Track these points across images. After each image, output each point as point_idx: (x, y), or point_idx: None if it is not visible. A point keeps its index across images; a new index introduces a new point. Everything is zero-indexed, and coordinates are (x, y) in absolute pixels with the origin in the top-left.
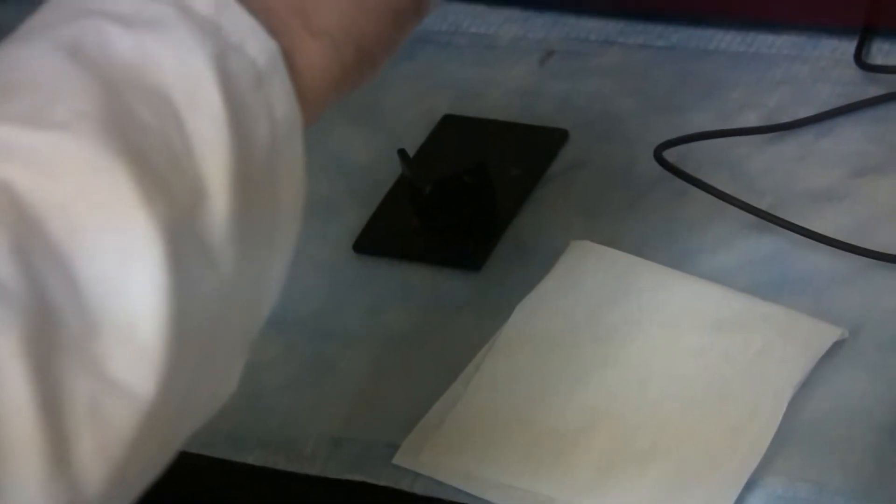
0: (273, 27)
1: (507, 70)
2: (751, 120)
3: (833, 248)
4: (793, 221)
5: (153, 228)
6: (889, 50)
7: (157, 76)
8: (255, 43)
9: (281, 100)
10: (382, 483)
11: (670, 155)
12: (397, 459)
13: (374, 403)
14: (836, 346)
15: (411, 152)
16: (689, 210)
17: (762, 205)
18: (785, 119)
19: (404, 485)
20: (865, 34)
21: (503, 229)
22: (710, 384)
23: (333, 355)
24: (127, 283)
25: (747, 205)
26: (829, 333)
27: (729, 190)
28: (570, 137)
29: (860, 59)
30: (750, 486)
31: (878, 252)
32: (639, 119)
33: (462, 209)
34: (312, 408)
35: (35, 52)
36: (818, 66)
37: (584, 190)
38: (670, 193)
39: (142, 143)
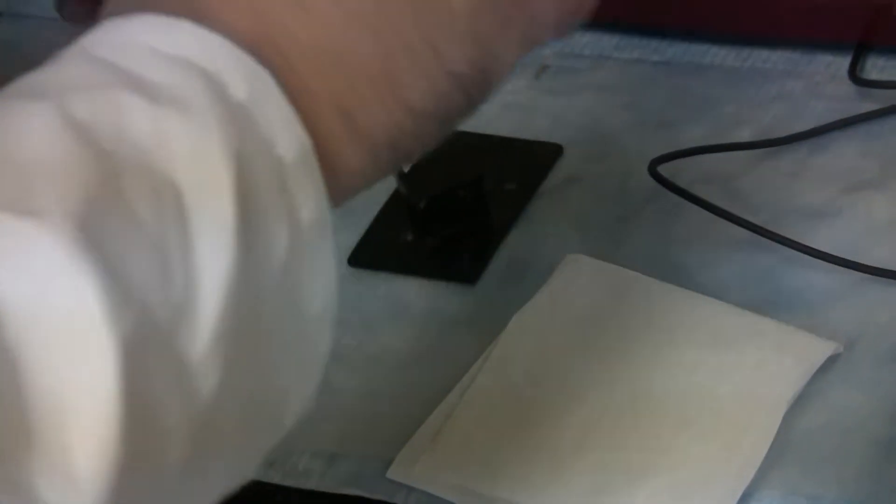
0: (311, 119)
1: (504, 84)
2: (745, 135)
3: (827, 263)
4: (787, 236)
5: (112, 345)
6: (884, 65)
7: (168, 166)
8: (288, 138)
9: (308, 202)
10: (377, 497)
11: (665, 170)
12: (391, 473)
13: (369, 418)
14: (831, 360)
15: (405, 167)
16: (684, 225)
17: (757, 220)
18: (779, 134)
19: (399, 499)
20: (860, 50)
21: (498, 243)
22: (704, 399)
23: (328, 370)
24: (73, 402)
25: (742, 220)
26: (824, 348)
27: (723, 205)
28: (564, 152)
29: (854, 75)
30: (745, 499)
31: (872, 267)
32: (633, 134)
33: (457, 223)
34: (307, 422)
35: (43, 124)
36: (812, 81)
37: (578, 204)
38: (665, 208)
39: (126, 243)
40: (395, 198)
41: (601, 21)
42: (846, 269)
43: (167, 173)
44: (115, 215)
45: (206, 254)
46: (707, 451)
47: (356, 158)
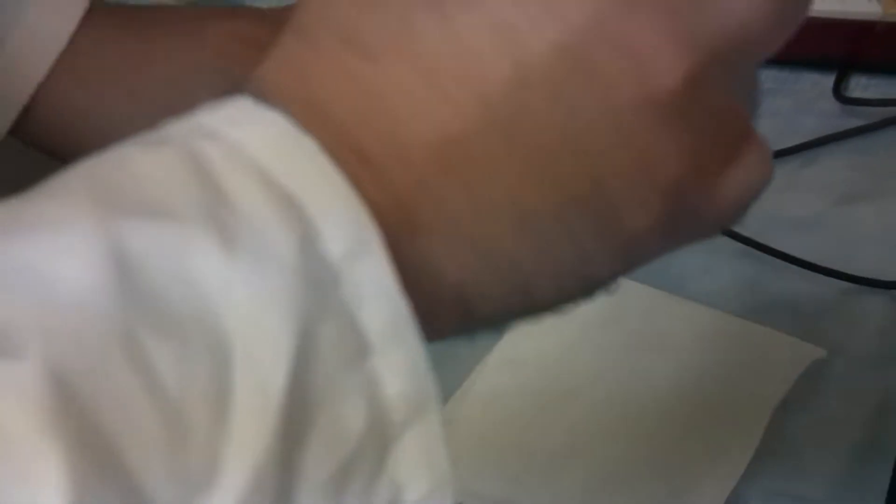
0: (423, 294)
1: None
2: None
3: (814, 273)
4: (777, 248)
5: None
6: (866, 84)
7: (220, 326)
8: (381, 308)
9: (400, 372)
10: None
11: None
12: None
13: None
14: (816, 365)
15: None
16: None
17: (748, 232)
18: (769, 149)
19: None
20: (843, 69)
21: None
22: (693, 401)
23: None
24: None
25: (732, 231)
26: (809, 354)
27: None
28: None
29: (839, 93)
30: (731, 499)
31: (857, 276)
32: None
33: None
34: None
35: (84, 247)
36: (800, 99)
37: None
38: None
39: (118, 409)
40: None
41: None
42: (832, 279)
43: (217, 333)
44: (124, 368)
45: (239, 428)
46: (696, 452)
47: (453, 320)
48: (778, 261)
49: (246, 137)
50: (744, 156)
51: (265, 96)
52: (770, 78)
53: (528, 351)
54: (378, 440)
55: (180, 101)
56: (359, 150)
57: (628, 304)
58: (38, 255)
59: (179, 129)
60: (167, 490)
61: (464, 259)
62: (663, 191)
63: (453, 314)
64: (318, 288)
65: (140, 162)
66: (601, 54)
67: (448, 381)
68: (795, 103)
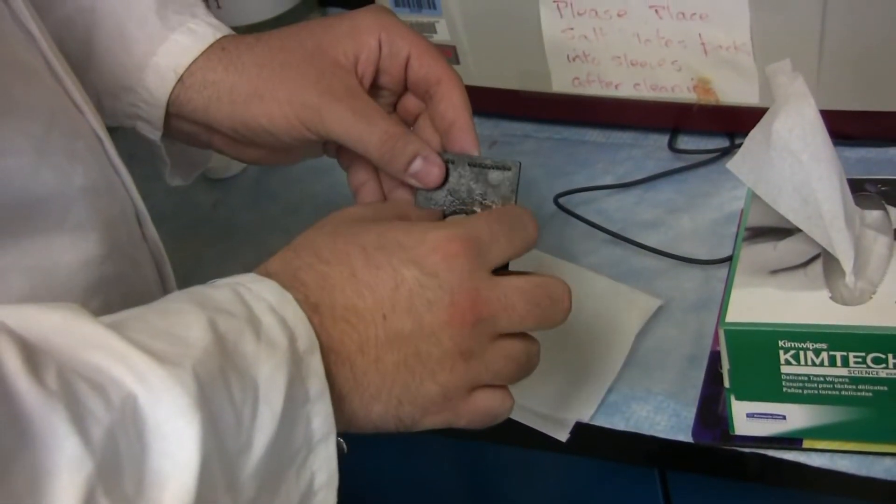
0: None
1: None
2: (609, 180)
3: (656, 255)
4: (632, 238)
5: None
6: (688, 141)
7: (257, 373)
8: (322, 416)
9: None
10: None
11: (563, 201)
12: None
13: None
14: (658, 310)
15: None
16: (574, 231)
17: (615, 229)
18: (628, 180)
19: None
20: (674, 132)
21: None
22: (585, 330)
23: None
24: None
25: (606, 229)
26: (654, 302)
27: (596, 220)
28: None
29: (672, 146)
30: (609, 391)
31: (681, 256)
32: (544, 180)
33: None
34: None
35: (196, 315)
36: (647, 149)
37: None
38: (563, 222)
39: (223, 404)
40: None
41: (527, 116)
42: (667, 258)
43: (255, 377)
44: (219, 387)
45: (261, 420)
46: (586, 362)
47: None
48: (634, 246)
49: (262, 290)
50: (499, 391)
51: (271, 277)
52: (629, 137)
53: None
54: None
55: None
56: (315, 305)
57: (544, 269)
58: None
59: (233, 280)
60: None
61: (359, 385)
62: (451, 374)
63: (341, 423)
64: (297, 368)
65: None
66: (446, 314)
67: None
68: (644, 152)
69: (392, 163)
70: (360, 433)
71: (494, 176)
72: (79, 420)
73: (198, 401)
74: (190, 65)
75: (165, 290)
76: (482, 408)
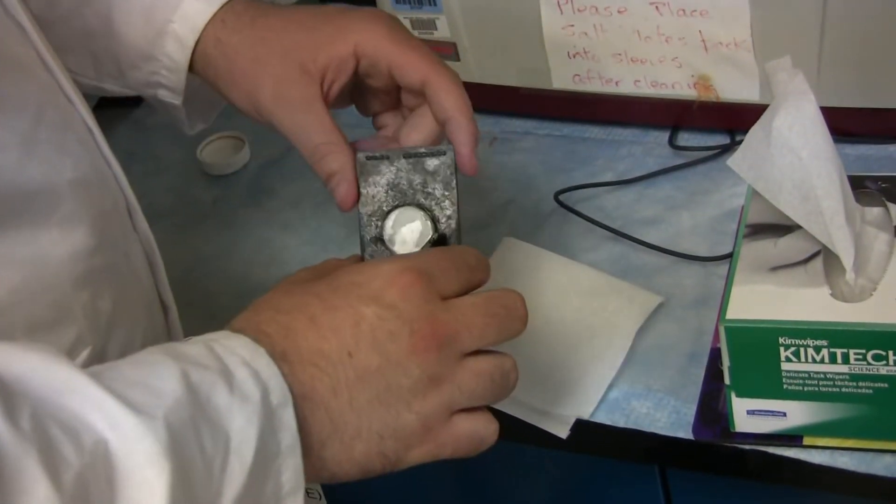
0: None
1: None
2: (609, 177)
3: (657, 251)
4: (632, 235)
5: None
6: (688, 138)
7: (229, 425)
8: (290, 436)
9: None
10: None
11: (563, 197)
12: None
13: None
14: (658, 307)
15: None
16: (574, 228)
17: (615, 226)
18: (628, 177)
19: None
20: (674, 129)
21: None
22: (586, 328)
23: None
24: None
25: (606, 226)
26: (655, 299)
27: (597, 217)
28: (503, 186)
29: (672, 143)
30: (610, 388)
31: (681, 253)
32: (544, 177)
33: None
34: None
35: (170, 369)
36: (647, 146)
37: (513, 216)
38: (563, 219)
39: (193, 455)
40: None
41: (528, 113)
42: (666, 255)
43: (226, 428)
44: (190, 438)
45: (231, 471)
46: (586, 359)
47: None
48: (634, 243)
49: (235, 345)
50: (479, 414)
51: (239, 331)
52: (629, 134)
53: None
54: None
55: None
56: (282, 353)
57: (544, 265)
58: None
59: (206, 337)
60: None
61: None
62: (426, 399)
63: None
64: (267, 420)
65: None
66: (409, 343)
67: None
68: (644, 149)
69: (317, 173)
70: (348, 481)
71: (431, 163)
72: (50, 464)
73: (168, 450)
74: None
75: (156, 282)
76: (465, 433)
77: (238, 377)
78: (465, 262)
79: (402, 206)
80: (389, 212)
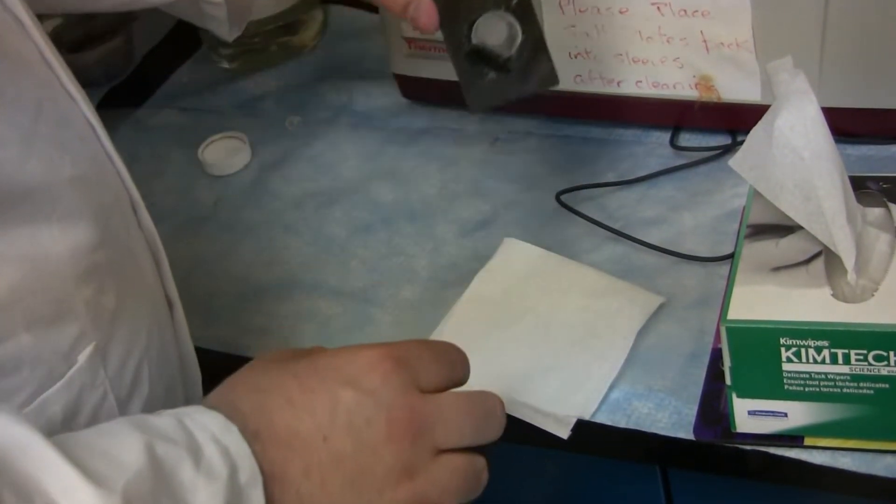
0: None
1: (471, 149)
2: (611, 177)
3: (658, 252)
4: (634, 236)
5: None
6: (690, 138)
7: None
8: None
9: None
10: None
11: (565, 197)
12: None
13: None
14: (660, 307)
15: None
16: (576, 228)
17: (617, 226)
18: (630, 177)
19: None
20: (675, 129)
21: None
22: (588, 328)
23: None
24: None
25: (608, 226)
26: (656, 300)
27: (598, 217)
28: (504, 187)
29: (673, 144)
30: (611, 388)
31: (683, 254)
32: (547, 177)
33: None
34: None
35: (136, 444)
36: (649, 146)
37: (517, 217)
38: (565, 220)
39: None
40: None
41: (530, 111)
42: (668, 255)
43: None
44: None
45: None
46: (587, 360)
47: None
48: (635, 244)
49: (206, 420)
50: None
51: (213, 407)
52: (631, 134)
53: (485, 298)
54: None
55: None
56: (255, 432)
57: (547, 266)
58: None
59: (178, 410)
60: None
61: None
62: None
63: None
64: (234, 495)
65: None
66: (385, 430)
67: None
68: (646, 149)
69: (390, 8)
70: None
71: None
72: None
73: None
74: None
75: (161, 278)
76: None
77: (206, 453)
78: (447, 357)
79: (484, 13)
80: (474, 21)
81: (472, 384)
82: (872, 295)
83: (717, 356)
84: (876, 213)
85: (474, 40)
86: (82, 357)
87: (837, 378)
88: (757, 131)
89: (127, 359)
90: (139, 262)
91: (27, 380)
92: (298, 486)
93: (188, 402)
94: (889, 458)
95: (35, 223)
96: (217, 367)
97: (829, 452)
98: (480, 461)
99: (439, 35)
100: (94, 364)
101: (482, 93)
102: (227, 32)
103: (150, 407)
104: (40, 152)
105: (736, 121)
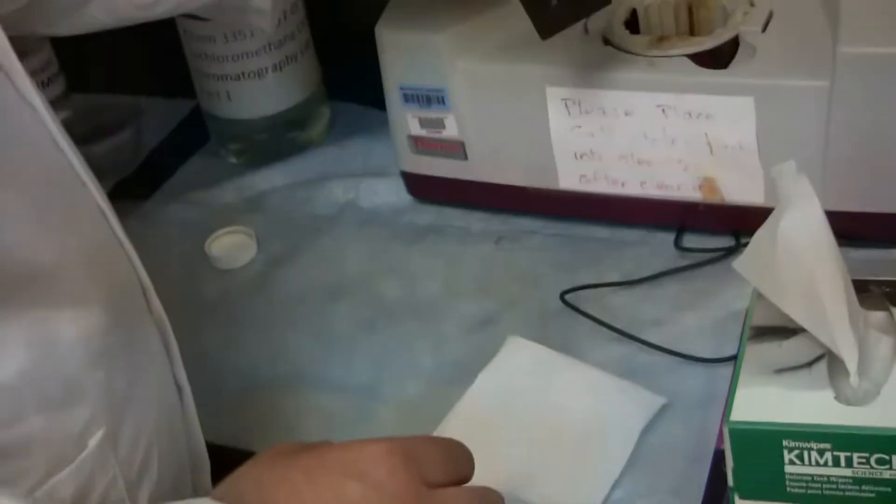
0: None
1: (476, 247)
2: (615, 277)
3: (661, 352)
4: (638, 336)
5: None
6: (694, 239)
7: None
8: None
9: None
10: None
11: (569, 297)
12: None
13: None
14: (663, 407)
15: None
16: (580, 328)
17: (620, 326)
18: (635, 277)
19: None
20: (680, 230)
21: None
22: (591, 427)
23: None
24: None
25: (612, 326)
26: (658, 400)
27: (602, 317)
28: (508, 285)
29: (678, 244)
30: (613, 487)
31: (686, 354)
32: (551, 276)
33: None
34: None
35: None
36: (653, 246)
37: (520, 315)
38: (569, 319)
39: None
40: None
41: (534, 212)
42: (671, 356)
43: None
44: None
45: None
46: (590, 459)
47: None
48: (638, 344)
49: None
50: None
51: (220, 499)
52: (636, 235)
53: (486, 400)
54: None
55: None
56: None
57: (550, 365)
58: None
59: (189, 501)
60: None
61: None
62: None
63: None
64: None
65: None
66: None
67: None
68: (650, 250)
69: None
70: None
71: None
72: None
73: None
74: None
75: (171, 363)
76: None
77: None
78: (453, 453)
79: None
80: None
81: (475, 480)
82: (874, 398)
83: (719, 457)
84: (878, 316)
85: None
86: (93, 441)
87: (840, 481)
88: (761, 234)
89: (137, 442)
90: (149, 346)
91: (37, 463)
92: None
93: (196, 487)
94: None
95: (47, 306)
96: (221, 459)
97: None
98: None
99: (446, 134)
100: (105, 448)
101: (548, 19)
102: (270, 22)
103: (160, 491)
104: (53, 235)
105: (740, 222)
